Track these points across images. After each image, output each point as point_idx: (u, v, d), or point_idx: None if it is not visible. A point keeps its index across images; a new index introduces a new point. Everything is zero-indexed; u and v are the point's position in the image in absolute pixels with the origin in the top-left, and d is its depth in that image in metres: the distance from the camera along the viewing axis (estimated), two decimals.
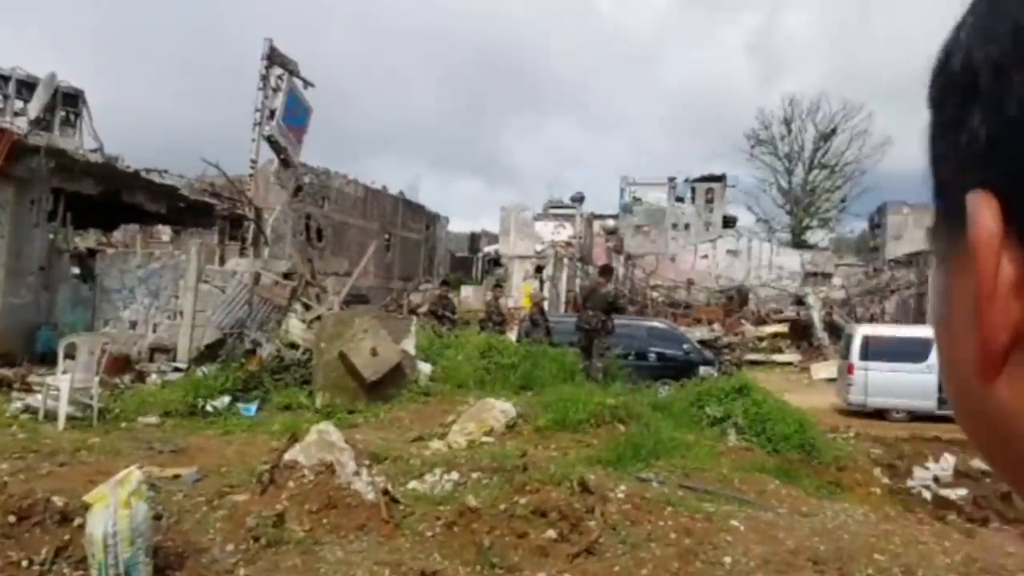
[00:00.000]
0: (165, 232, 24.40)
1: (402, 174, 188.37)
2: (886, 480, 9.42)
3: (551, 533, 5.68)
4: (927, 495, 8.96)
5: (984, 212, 0.33)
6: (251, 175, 16.86)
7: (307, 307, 11.27)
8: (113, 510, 4.10)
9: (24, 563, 4.27)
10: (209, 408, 8.77)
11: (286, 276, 11.56)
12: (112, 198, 11.49)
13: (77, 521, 4.53)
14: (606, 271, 13.83)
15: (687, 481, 7.20)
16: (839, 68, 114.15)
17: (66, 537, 4.45)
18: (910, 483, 9.39)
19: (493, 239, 49.80)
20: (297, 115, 18.89)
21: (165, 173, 13.73)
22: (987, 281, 0.32)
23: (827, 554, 5.82)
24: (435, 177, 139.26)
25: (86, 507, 4.28)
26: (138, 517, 4.17)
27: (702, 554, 5.57)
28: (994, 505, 8.62)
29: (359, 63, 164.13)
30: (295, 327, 10.54)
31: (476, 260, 52.07)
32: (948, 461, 10.12)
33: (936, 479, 9.59)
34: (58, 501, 4.75)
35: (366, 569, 4.74)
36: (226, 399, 8.98)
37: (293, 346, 10.35)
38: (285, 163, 17.71)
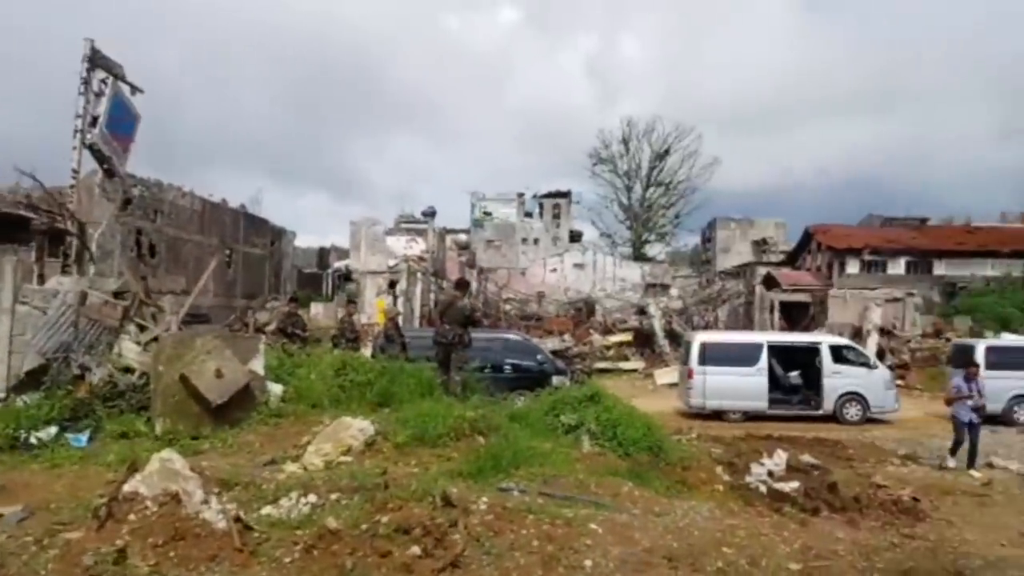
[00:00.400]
0: None
1: (242, 187, 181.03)
2: (727, 477, 9.96)
3: (415, 550, 5.57)
4: (763, 489, 9.55)
5: None
6: (72, 186, 15.54)
7: (142, 328, 10.51)
8: None
9: None
10: (33, 440, 7.94)
11: (117, 295, 10.72)
12: None
13: None
14: (462, 285, 13.89)
15: (546, 488, 7.30)
16: (673, 92, 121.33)
17: None
18: (748, 479, 9.98)
19: (343, 254, 48.77)
20: (123, 122, 17.63)
21: None
22: None
23: (680, 551, 6.08)
24: (278, 191, 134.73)
25: None
26: None
27: (564, 559, 5.65)
28: (823, 495, 9.37)
29: (193, 69, 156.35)
30: (129, 350, 9.80)
31: (326, 276, 50.82)
32: (781, 457, 10.88)
33: (771, 474, 10.25)
34: None
35: None
36: (53, 430, 8.17)
37: (128, 370, 9.61)
38: (110, 173, 16.46)
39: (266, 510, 6.41)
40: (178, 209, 33.98)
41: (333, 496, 6.64)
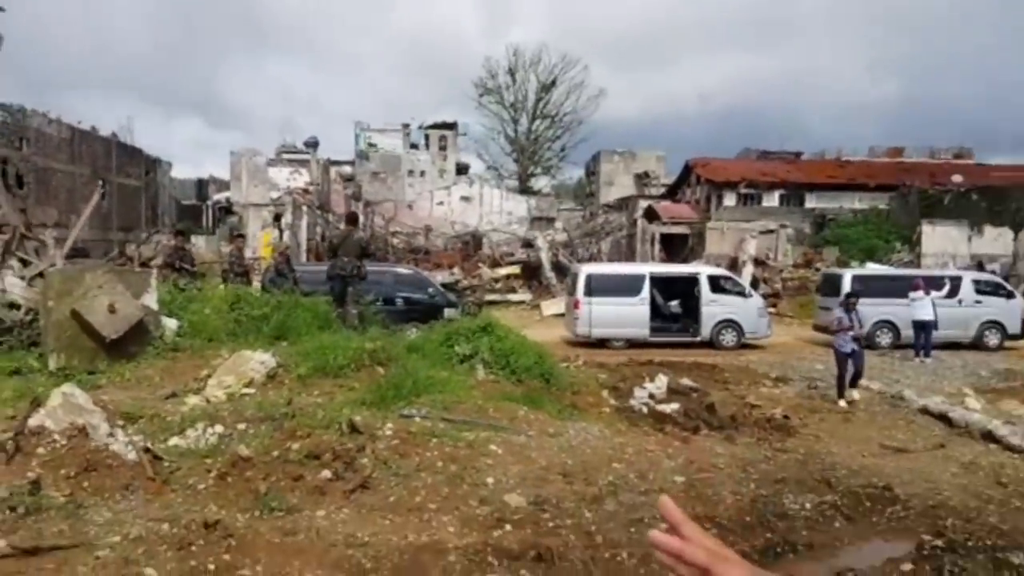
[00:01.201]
0: None
1: (112, 113, 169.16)
2: (613, 401, 10.60)
3: (326, 473, 5.92)
4: (646, 411, 10.22)
5: None
6: None
7: (25, 263, 10.12)
8: None
9: None
10: None
11: None
12: None
13: None
14: (352, 219, 13.91)
15: (447, 414, 7.72)
16: (561, 22, 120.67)
17: None
18: (632, 402, 10.65)
19: (223, 186, 46.84)
20: None
21: None
22: None
23: (574, 467, 6.68)
24: (150, 118, 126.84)
25: None
26: None
27: (468, 477, 6.13)
28: (702, 416, 10.02)
29: None
30: (13, 285, 9.45)
31: (206, 208, 48.86)
32: (662, 381, 11.64)
33: (653, 397, 10.97)
34: None
35: (141, 526, 4.66)
36: None
37: (13, 306, 9.30)
38: None
39: (173, 441, 6.57)
40: (45, 137, 31.72)
41: (240, 426, 6.85)
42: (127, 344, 8.97)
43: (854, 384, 11.72)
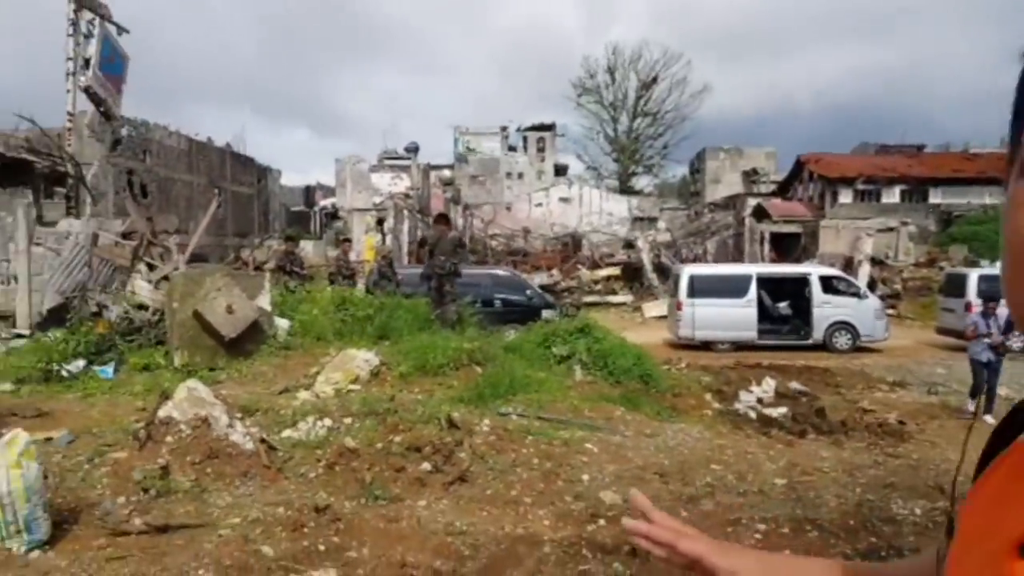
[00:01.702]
0: None
1: (226, 124, 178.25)
2: (716, 404, 10.41)
3: (426, 466, 6.17)
4: (752, 415, 9.98)
5: None
6: (69, 129, 15.71)
7: (151, 267, 10.92)
8: (4, 471, 4.14)
9: None
10: (64, 373, 8.47)
11: (125, 236, 11.10)
12: None
13: None
14: (442, 218, 14.29)
15: (543, 413, 7.87)
16: (663, 17, 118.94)
17: None
18: (737, 405, 10.45)
19: (329, 192, 48.68)
20: (114, 63, 17.66)
21: None
22: None
23: (671, 467, 6.68)
24: (262, 128, 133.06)
25: None
26: (31, 476, 4.23)
27: (563, 474, 6.25)
28: (810, 420, 9.64)
29: (169, 4, 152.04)
30: (142, 288, 10.23)
31: (313, 214, 50.86)
32: (769, 384, 11.37)
33: (760, 400, 10.71)
34: None
35: (258, 509, 5.02)
36: (81, 363, 8.68)
37: (142, 307, 10.06)
38: (107, 115, 16.62)
39: (286, 433, 6.98)
40: (166, 149, 33.85)
41: (347, 420, 7.21)
42: (244, 343, 9.56)
43: (988, 410, 10.36)
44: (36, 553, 4.22)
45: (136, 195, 27.46)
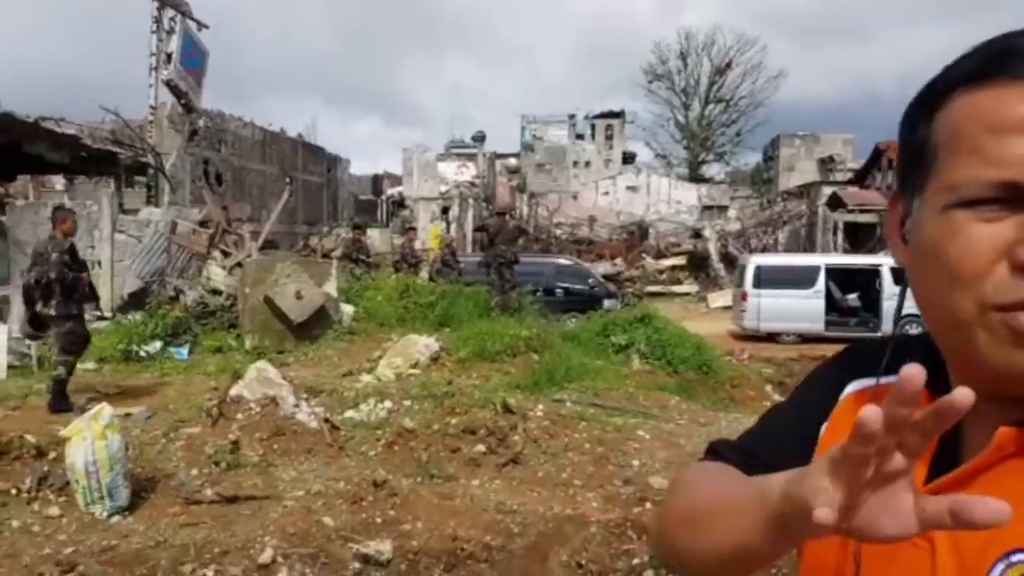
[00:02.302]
0: (58, 181, 23.42)
1: (297, 114, 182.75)
2: (777, 396, 10.40)
3: (480, 448, 6.38)
4: None
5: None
6: (151, 121, 16.47)
7: (225, 254, 11.44)
8: (91, 442, 4.51)
9: (13, 491, 4.66)
10: (143, 353, 9.00)
11: (202, 224, 11.65)
12: (11, 149, 11.20)
13: (52, 454, 4.91)
14: (504, 210, 14.51)
15: (597, 400, 8.00)
16: (735, 4, 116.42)
17: (45, 468, 4.85)
18: None
19: (396, 181, 49.39)
20: (194, 58, 18.41)
21: (62, 121, 13.35)
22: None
23: None
24: (331, 117, 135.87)
25: (61, 441, 4.67)
26: (114, 447, 4.59)
27: (613, 459, 6.37)
28: None
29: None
30: (216, 274, 10.74)
31: (380, 203, 51.72)
32: None
33: None
34: (31, 438, 5.09)
35: (321, 483, 5.31)
36: (158, 344, 9.21)
37: (215, 292, 10.57)
38: (188, 108, 17.36)
39: (348, 413, 7.29)
40: (240, 139, 34.98)
41: (406, 402, 7.48)
42: (311, 327, 9.96)
43: None
44: (117, 518, 4.58)
45: (211, 184, 28.54)
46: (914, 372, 0.50)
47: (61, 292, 6.71)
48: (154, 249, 10.52)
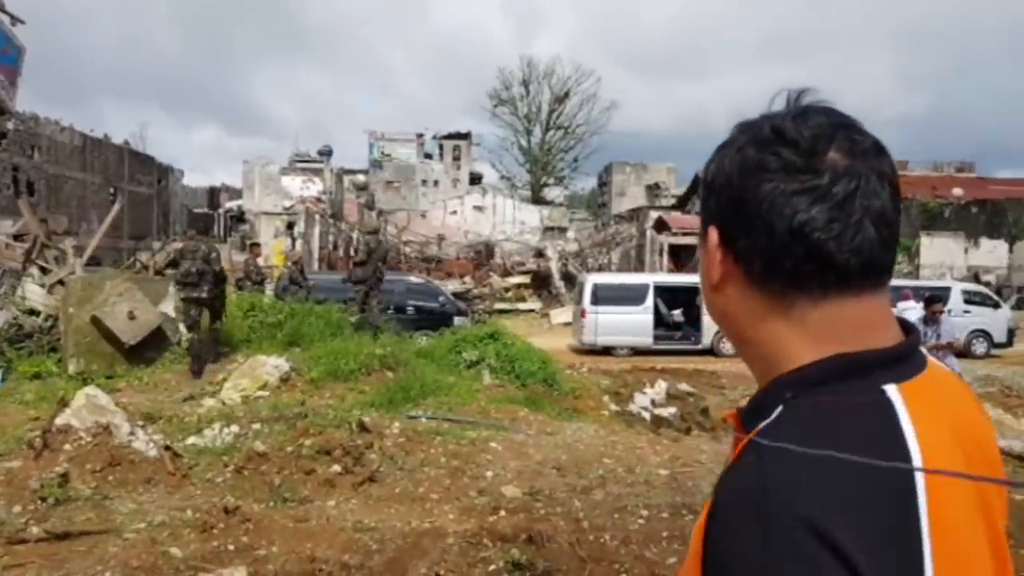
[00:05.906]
0: None
1: (129, 120, 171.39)
2: (613, 405, 10.90)
3: (336, 468, 6.24)
4: (646, 415, 10.53)
5: (712, 233, 0.91)
6: None
7: (44, 271, 10.53)
8: None
9: None
10: None
11: (16, 238, 10.66)
12: None
13: None
14: (376, 231, 14.40)
15: (451, 415, 8.05)
16: (585, 34, 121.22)
17: None
18: (632, 407, 10.95)
19: (235, 194, 47.42)
20: (8, 54, 16.90)
21: None
22: (711, 257, 0.93)
23: (567, 462, 6.99)
24: (165, 125, 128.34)
25: None
26: None
27: (468, 471, 6.45)
28: (696, 418, 10.45)
29: None
30: (34, 292, 9.85)
31: (217, 216, 49.41)
32: (661, 386, 11.92)
33: (653, 401, 11.26)
34: None
35: (164, 514, 5.00)
36: None
37: (33, 312, 9.69)
38: (0, 109, 15.85)
39: (191, 440, 6.92)
40: (56, 145, 32.34)
41: (255, 426, 7.20)
42: (145, 349, 9.35)
43: None
44: None
45: (21, 192, 26.18)
46: None
47: None
48: None
